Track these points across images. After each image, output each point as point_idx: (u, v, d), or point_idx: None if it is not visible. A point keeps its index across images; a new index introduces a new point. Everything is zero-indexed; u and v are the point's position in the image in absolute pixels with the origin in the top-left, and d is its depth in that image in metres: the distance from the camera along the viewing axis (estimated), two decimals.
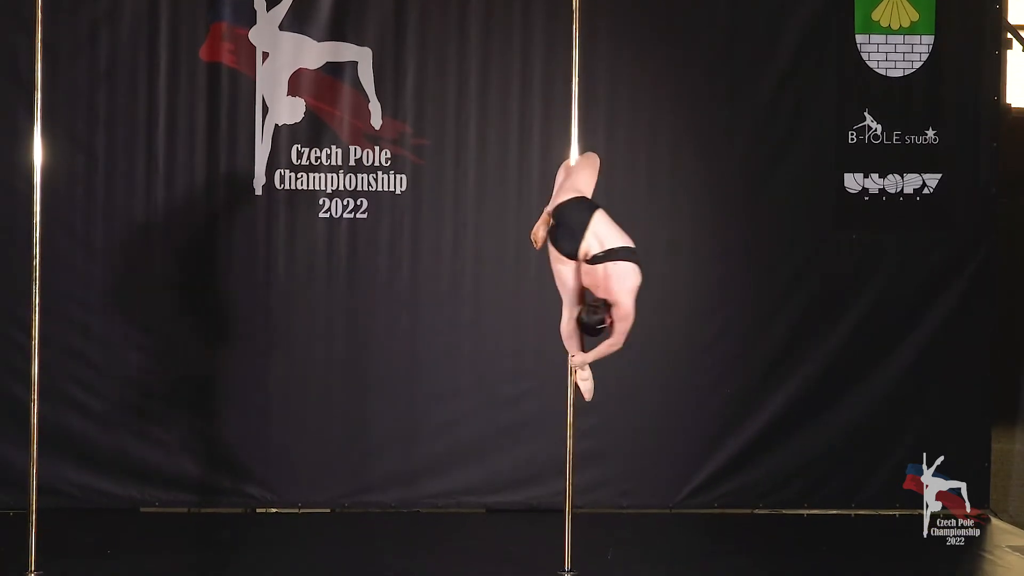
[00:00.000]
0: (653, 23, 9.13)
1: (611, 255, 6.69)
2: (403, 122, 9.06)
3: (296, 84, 8.99)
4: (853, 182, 9.24)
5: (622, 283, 6.72)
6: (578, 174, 7.08)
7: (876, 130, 9.22)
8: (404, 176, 9.07)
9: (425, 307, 9.06)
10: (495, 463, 9.09)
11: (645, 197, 9.11)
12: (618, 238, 6.75)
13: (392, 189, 9.07)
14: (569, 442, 7.53)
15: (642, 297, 9.01)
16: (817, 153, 9.21)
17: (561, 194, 6.93)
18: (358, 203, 9.04)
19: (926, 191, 9.27)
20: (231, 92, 8.97)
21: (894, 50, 9.21)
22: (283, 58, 8.98)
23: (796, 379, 9.17)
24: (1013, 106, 12.42)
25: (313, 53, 9.01)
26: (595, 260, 6.72)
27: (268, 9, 8.96)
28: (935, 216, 9.26)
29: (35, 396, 7.35)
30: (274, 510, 9.02)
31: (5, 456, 8.71)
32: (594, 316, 6.74)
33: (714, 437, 9.17)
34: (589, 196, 6.93)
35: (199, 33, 8.94)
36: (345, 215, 9.03)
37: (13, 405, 8.63)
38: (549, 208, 6.91)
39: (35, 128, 7.35)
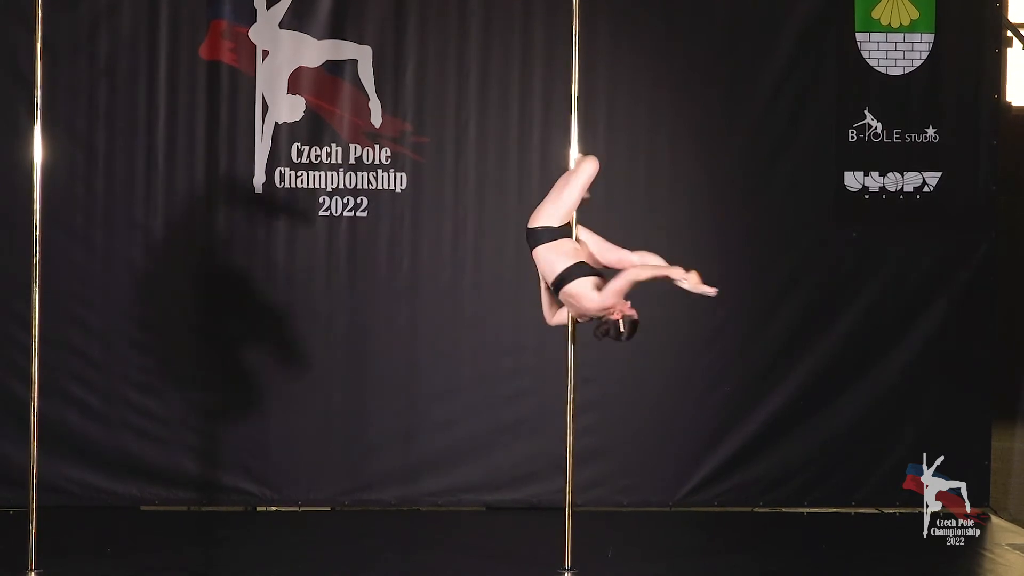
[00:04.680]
0: (653, 22, 9.13)
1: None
2: (403, 120, 9.06)
3: (296, 82, 8.99)
4: (853, 180, 9.24)
5: (583, 301, 6.87)
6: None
7: (876, 128, 9.22)
8: (404, 174, 9.07)
9: (425, 305, 9.07)
10: (495, 461, 9.09)
11: (644, 196, 9.11)
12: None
13: (392, 187, 9.07)
14: (569, 440, 7.53)
15: (642, 295, 9.05)
16: (817, 151, 9.21)
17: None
18: (358, 201, 9.04)
19: (926, 189, 9.27)
20: (231, 90, 8.97)
21: (894, 48, 9.21)
22: (283, 56, 8.98)
23: (796, 377, 9.17)
24: (1013, 104, 12.42)
25: (313, 51, 9.01)
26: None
27: (268, 7, 8.96)
28: (935, 214, 9.25)
29: (35, 394, 7.34)
30: (274, 508, 9.03)
31: (5, 454, 8.72)
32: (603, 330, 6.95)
33: (714, 435, 9.17)
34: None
35: (199, 31, 8.94)
36: (345, 213, 9.04)
37: (13, 403, 8.65)
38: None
39: (35, 125, 7.35)
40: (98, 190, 8.90)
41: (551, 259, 6.91)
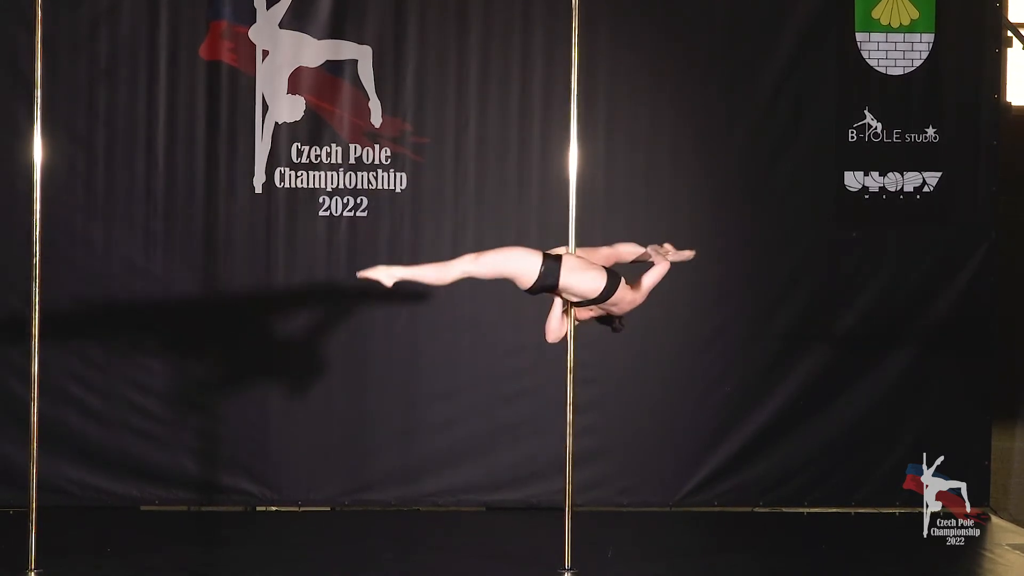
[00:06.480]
0: (653, 22, 9.13)
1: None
2: (403, 120, 9.06)
3: (296, 82, 8.99)
4: (853, 180, 9.24)
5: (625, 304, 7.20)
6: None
7: (876, 128, 9.22)
8: (404, 174, 9.07)
9: (425, 305, 9.06)
10: (495, 461, 9.09)
11: (645, 196, 9.11)
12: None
13: (392, 187, 9.07)
14: (569, 440, 7.53)
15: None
16: (817, 151, 9.21)
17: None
18: (358, 201, 9.04)
19: (926, 189, 9.27)
20: (231, 90, 8.97)
21: (894, 48, 9.21)
22: (283, 56, 8.98)
23: (796, 377, 9.17)
24: (1013, 104, 12.41)
25: (313, 51, 9.01)
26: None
27: (268, 7, 8.96)
28: (935, 214, 9.25)
29: (35, 394, 7.34)
30: (274, 508, 9.03)
31: (5, 454, 8.72)
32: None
33: (714, 435, 9.17)
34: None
35: (199, 31, 8.94)
36: (345, 213, 9.04)
37: (13, 403, 8.64)
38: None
39: (35, 125, 7.35)
40: (98, 190, 8.90)
41: (586, 278, 7.00)
